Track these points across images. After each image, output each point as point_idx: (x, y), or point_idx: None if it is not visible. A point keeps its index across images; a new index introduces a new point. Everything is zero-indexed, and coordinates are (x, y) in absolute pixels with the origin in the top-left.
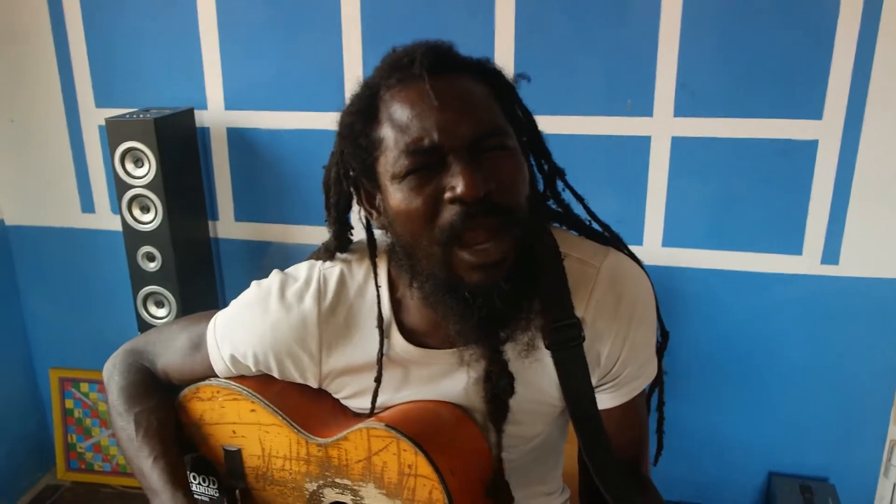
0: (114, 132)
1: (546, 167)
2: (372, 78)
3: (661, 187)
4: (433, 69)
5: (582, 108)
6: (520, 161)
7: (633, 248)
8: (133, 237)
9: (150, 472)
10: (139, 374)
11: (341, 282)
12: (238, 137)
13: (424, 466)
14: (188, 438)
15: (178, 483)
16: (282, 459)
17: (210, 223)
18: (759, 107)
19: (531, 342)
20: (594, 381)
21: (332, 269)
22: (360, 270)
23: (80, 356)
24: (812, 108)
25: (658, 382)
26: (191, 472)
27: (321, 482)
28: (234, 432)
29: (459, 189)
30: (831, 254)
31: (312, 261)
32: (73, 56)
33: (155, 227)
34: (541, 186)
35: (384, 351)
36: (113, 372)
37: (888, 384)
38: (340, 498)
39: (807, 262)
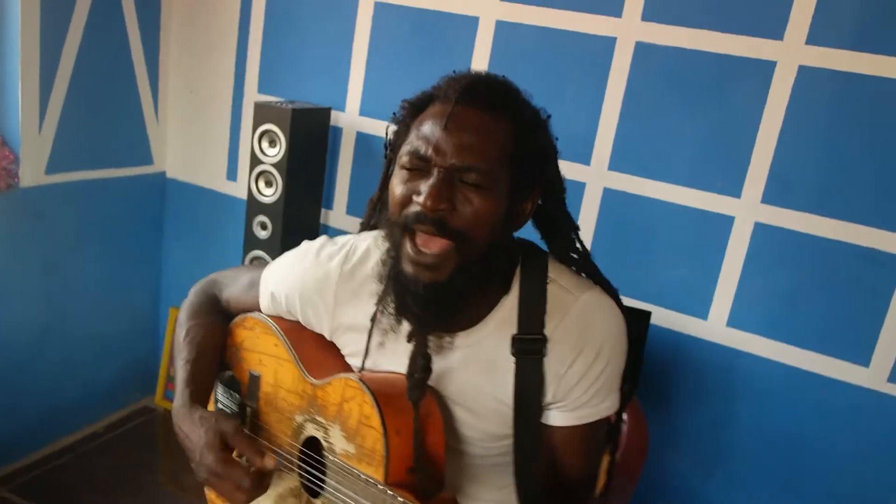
0: (259, 114)
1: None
2: (438, 84)
3: (735, 268)
4: (466, 98)
5: (672, 177)
6: (491, 202)
7: (696, 322)
8: (254, 206)
9: (181, 369)
10: (206, 298)
11: (366, 253)
12: (365, 141)
13: (376, 420)
14: (229, 358)
15: (195, 386)
16: (285, 391)
17: (323, 210)
18: (849, 210)
19: (451, 341)
20: (548, 397)
21: (364, 242)
22: (385, 246)
23: None
24: None
25: (615, 430)
26: (223, 386)
27: (306, 417)
28: (260, 360)
29: (420, 198)
30: None
31: (354, 235)
32: (249, 47)
33: (273, 200)
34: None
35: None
36: (192, 292)
37: None
38: (315, 433)
39: (872, 376)
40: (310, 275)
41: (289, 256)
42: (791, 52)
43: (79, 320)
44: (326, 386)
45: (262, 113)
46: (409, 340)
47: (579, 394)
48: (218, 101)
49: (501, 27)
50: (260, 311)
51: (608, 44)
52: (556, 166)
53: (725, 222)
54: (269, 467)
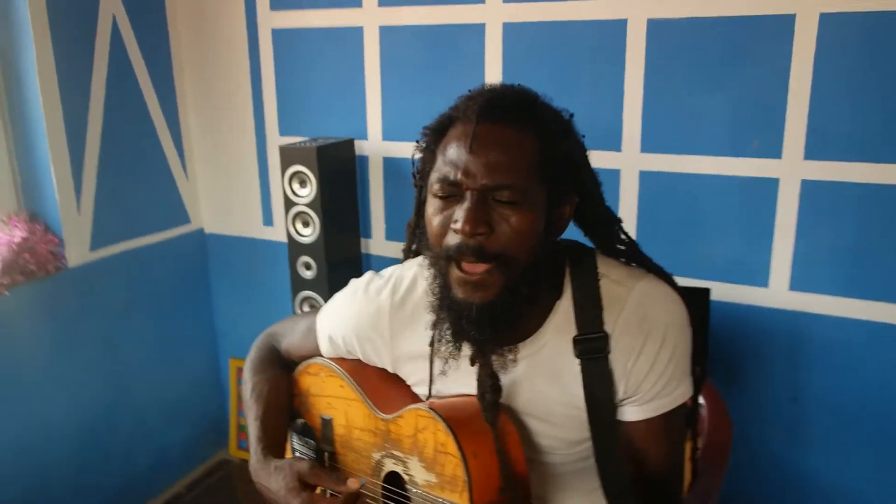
0: (285, 157)
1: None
2: (455, 105)
3: (788, 230)
4: (486, 116)
5: (707, 148)
6: (528, 217)
7: (757, 291)
8: (295, 248)
9: (251, 426)
10: (267, 352)
11: (413, 281)
12: (392, 165)
13: (452, 446)
14: (298, 406)
15: (267, 440)
16: (359, 430)
17: (363, 240)
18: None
19: (514, 359)
20: (620, 394)
21: (409, 271)
22: (430, 273)
23: None
24: None
25: (694, 414)
26: (298, 435)
27: (383, 453)
28: (329, 404)
29: (458, 225)
30: None
31: (399, 265)
32: (264, 93)
33: (313, 239)
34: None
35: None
36: (252, 348)
37: None
38: (395, 468)
39: None
40: (363, 312)
41: (340, 297)
42: (809, 1)
43: (143, 388)
44: (398, 419)
45: (289, 155)
46: (472, 363)
47: (650, 384)
48: (242, 150)
49: (509, 29)
50: (321, 355)
51: (620, 26)
52: (588, 164)
53: (770, 185)
54: (354, 489)
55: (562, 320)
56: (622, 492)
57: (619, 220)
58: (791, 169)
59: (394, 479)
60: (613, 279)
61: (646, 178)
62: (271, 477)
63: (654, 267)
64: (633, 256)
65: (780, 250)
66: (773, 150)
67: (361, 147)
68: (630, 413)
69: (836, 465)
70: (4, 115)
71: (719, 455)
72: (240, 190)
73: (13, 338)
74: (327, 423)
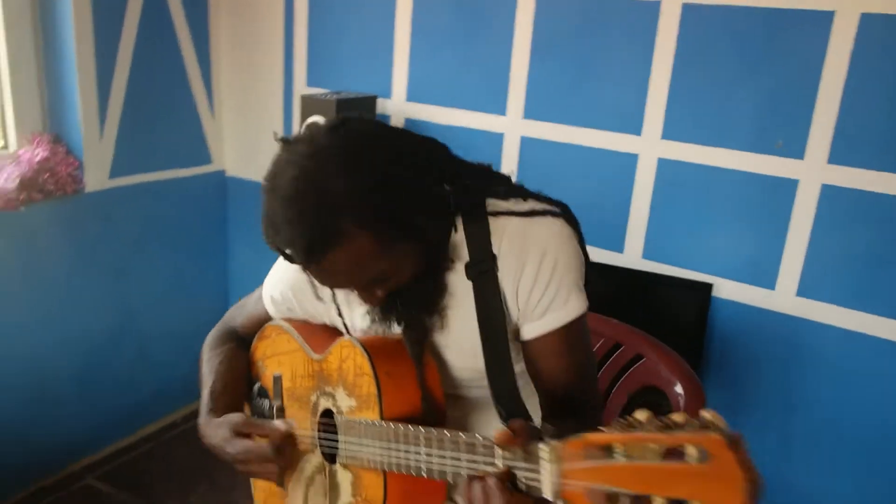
0: (305, 107)
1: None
2: (269, 231)
3: (802, 234)
4: (312, 262)
5: (728, 142)
6: (405, 270)
7: (762, 292)
8: None
9: (203, 397)
10: (220, 332)
11: None
12: (414, 127)
13: (367, 366)
14: (256, 373)
15: (213, 405)
16: (300, 378)
17: None
18: None
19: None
20: (514, 315)
21: None
22: None
23: None
24: None
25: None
26: (254, 399)
27: (318, 393)
28: (279, 361)
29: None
30: None
31: None
32: (295, 42)
33: None
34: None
35: None
36: (209, 334)
37: None
38: (326, 404)
39: None
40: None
41: (278, 261)
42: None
43: (151, 319)
44: (328, 356)
45: (308, 105)
46: (399, 323)
47: (538, 299)
48: (269, 96)
49: (542, 2)
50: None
51: (653, 9)
52: (420, 169)
53: (789, 186)
54: (283, 429)
55: (456, 253)
56: (512, 405)
57: (497, 175)
58: (812, 172)
59: (328, 416)
60: (499, 211)
61: (664, 165)
62: (212, 433)
63: (536, 195)
64: (517, 192)
65: (791, 254)
66: (796, 150)
67: (385, 105)
68: (527, 331)
69: (821, 479)
70: (38, 37)
71: None
72: (264, 136)
73: (27, 253)
74: (277, 381)
